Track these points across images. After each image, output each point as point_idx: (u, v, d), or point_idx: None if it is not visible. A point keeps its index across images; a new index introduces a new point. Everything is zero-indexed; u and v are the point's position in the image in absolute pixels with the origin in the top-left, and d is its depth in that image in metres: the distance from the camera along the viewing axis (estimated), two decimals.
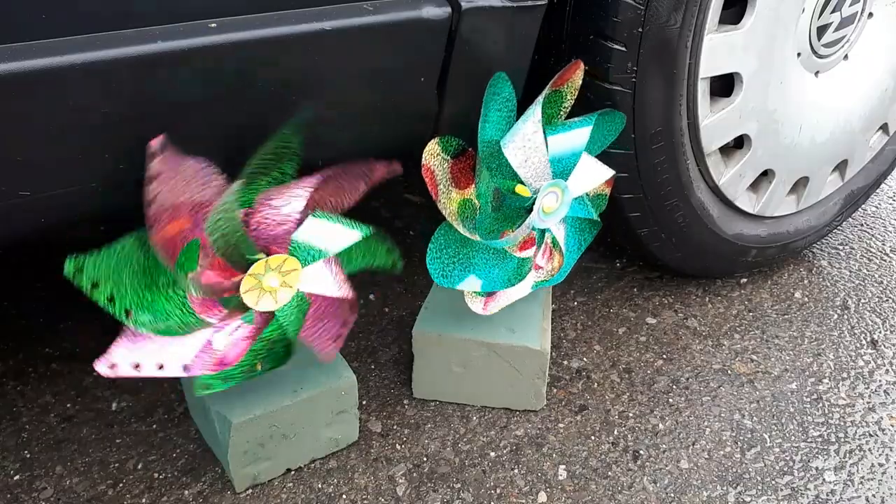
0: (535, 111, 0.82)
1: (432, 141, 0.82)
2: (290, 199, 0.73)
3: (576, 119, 0.89)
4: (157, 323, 0.71)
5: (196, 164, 0.68)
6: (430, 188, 0.83)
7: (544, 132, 0.84)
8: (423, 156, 0.82)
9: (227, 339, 0.75)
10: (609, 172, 0.90)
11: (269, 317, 0.76)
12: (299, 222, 0.74)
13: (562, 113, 0.89)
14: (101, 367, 0.70)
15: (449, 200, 0.85)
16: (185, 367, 0.73)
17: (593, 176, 0.89)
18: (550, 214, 0.85)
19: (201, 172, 0.69)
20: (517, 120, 0.82)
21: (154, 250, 0.70)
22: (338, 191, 0.81)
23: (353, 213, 0.80)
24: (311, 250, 0.76)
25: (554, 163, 0.87)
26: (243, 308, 0.74)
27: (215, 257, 0.71)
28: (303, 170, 0.77)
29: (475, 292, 0.88)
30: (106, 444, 0.89)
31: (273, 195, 0.74)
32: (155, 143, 0.64)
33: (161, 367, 0.72)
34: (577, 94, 0.88)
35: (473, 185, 0.85)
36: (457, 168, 0.85)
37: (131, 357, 0.72)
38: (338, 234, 0.77)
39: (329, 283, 0.77)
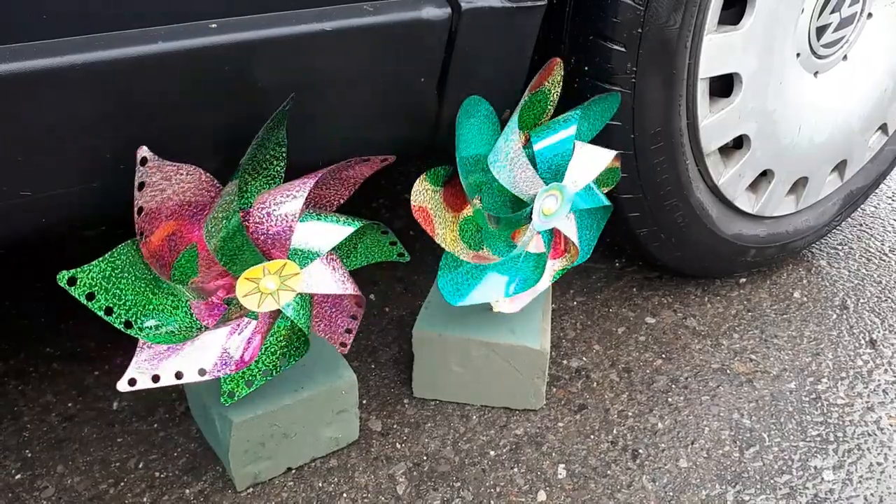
0: (512, 125, 0.81)
1: (419, 180, 0.81)
2: (289, 199, 0.73)
3: (561, 118, 0.88)
4: (163, 328, 0.71)
5: (189, 170, 0.68)
6: (425, 226, 0.82)
7: (530, 139, 0.83)
8: (413, 197, 0.81)
9: (238, 338, 0.75)
10: (609, 154, 0.87)
11: (276, 312, 0.76)
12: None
13: (549, 109, 0.89)
14: (122, 384, 0.70)
15: (447, 230, 0.84)
16: (203, 372, 0.73)
17: (592, 165, 0.86)
18: (552, 216, 0.85)
19: (195, 178, 0.68)
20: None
21: (146, 259, 0.69)
22: (336, 185, 0.80)
23: (353, 214, 0.80)
24: (305, 251, 0.76)
25: (545, 163, 0.87)
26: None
27: (215, 262, 0.70)
28: (302, 171, 0.77)
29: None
30: (107, 444, 0.89)
31: (272, 195, 0.74)
32: (143, 150, 0.63)
33: (179, 375, 0.72)
34: (560, 87, 0.87)
35: (469, 205, 0.84)
36: (448, 193, 0.84)
37: (149, 369, 0.71)
38: (331, 232, 0.77)
39: (330, 281, 0.77)
